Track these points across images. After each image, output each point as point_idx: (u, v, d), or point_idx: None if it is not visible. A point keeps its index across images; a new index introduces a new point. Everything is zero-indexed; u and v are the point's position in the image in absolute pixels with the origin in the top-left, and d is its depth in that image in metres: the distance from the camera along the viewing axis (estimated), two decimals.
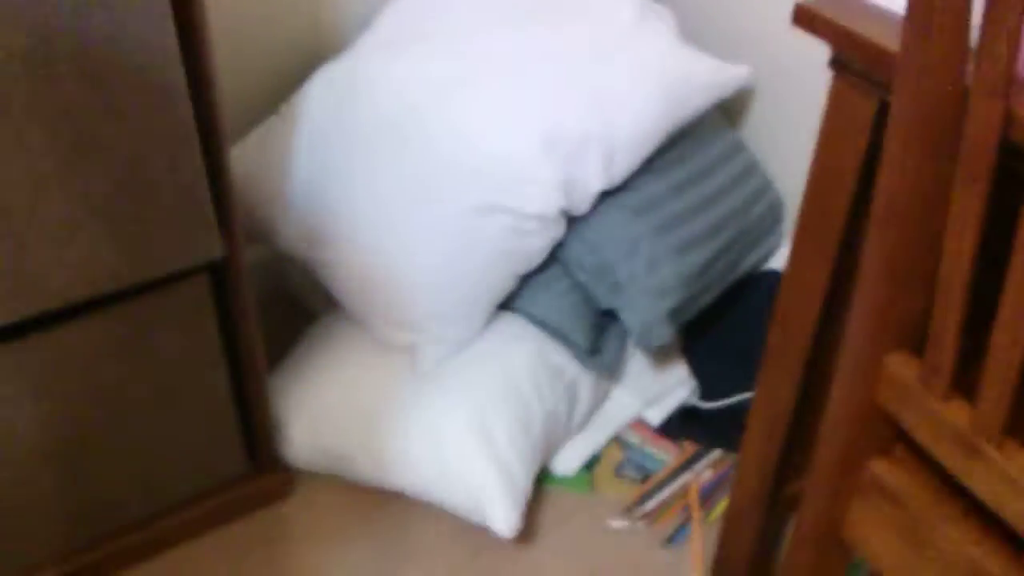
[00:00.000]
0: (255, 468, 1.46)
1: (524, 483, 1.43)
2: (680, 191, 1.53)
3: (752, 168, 1.65)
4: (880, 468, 0.99)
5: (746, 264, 1.63)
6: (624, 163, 1.47)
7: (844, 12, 0.91)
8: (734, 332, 1.65)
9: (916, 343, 0.93)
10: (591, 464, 1.58)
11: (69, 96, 1.03)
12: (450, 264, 1.41)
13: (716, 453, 1.61)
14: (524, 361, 1.49)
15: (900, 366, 0.92)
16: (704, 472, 1.58)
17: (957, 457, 0.87)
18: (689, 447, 1.62)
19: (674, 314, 1.49)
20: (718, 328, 1.66)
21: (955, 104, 0.78)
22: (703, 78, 1.52)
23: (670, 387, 1.66)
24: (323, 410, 1.46)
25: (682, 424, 1.64)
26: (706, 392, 1.64)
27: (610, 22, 1.53)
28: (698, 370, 1.66)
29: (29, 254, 1.08)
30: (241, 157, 1.51)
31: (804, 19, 0.92)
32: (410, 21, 1.54)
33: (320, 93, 1.49)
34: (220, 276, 1.28)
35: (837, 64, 0.95)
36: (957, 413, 0.88)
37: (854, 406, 0.97)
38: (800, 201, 1.06)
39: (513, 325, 1.53)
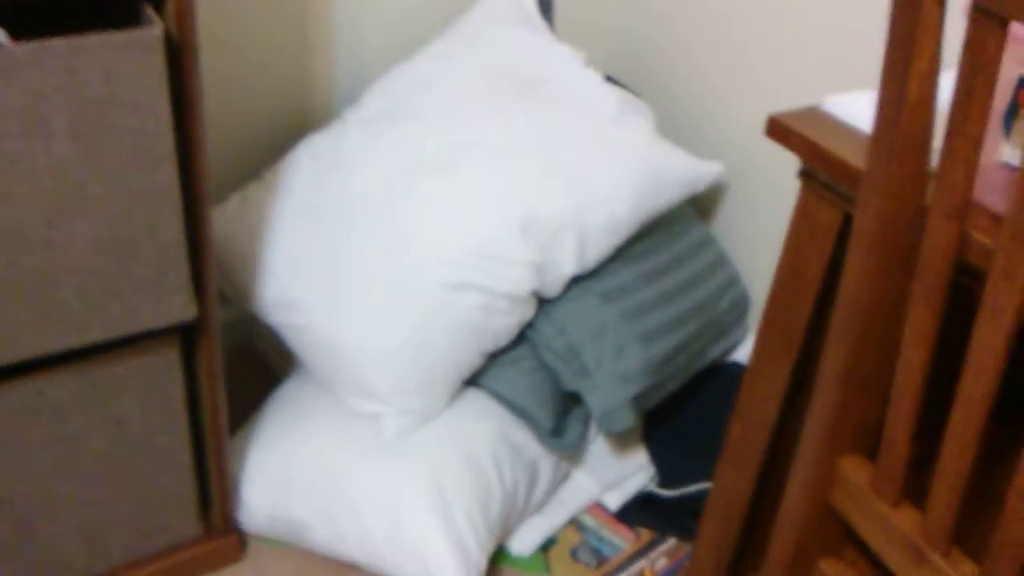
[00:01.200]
0: (207, 530, 1.45)
1: (480, 561, 1.42)
2: (649, 280, 1.57)
3: (720, 262, 1.69)
4: (831, 568, 1.01)
5: (710, 355, 1.66)
6: (597, 250, 1.50)
7: (814, 127, 0.96)
8: (695, 422, 1.67)
9: (870, 447, 0.96)
10: (547, 545, 1.58)
11: (60, 154, 1.05)
12: (419, 338, 1.43)
13: (672, 542, 1.62)
14: (486, 438, 1.50)
15: (853, 470, 0.94)
16: (659, 560, 1.59)
17: (905, 562, 0.90)
18: (645, 534, 1.63)
19: (638, 400, 1.51)
20: (679, 417, 1.68)
21: (914, 223, 0.82)
22: (677, 173, 1.57)
23: (629, 473, 1.67)
24: (281, 476, 1.46)
25: (639, 510, 1.65)
26: (665, 479, 1.66)
27: (592, 113, 1.58)
28: (658, 457, 1.67)
29: (2, 305, 1.09)
30: (221, 218, 1.53)
31: (776, 131, 0.96)
32: (396, 99, 1.59)
33: (304, 163, 1.52)
34: (191, 337, 1.29)
35: (806, 175, 0.99)
36: (906, 519, 0.90)
37: (807, 506, 0.99)
38: (766, 297, 1.10)
39: (477, 401, 1.55)
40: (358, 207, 1.45)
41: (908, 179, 0.79)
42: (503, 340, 1.50)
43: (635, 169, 1.51)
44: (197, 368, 1.31)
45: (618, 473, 1.66)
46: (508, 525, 1.53)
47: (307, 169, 1.50)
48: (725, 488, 1.26)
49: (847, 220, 0.98)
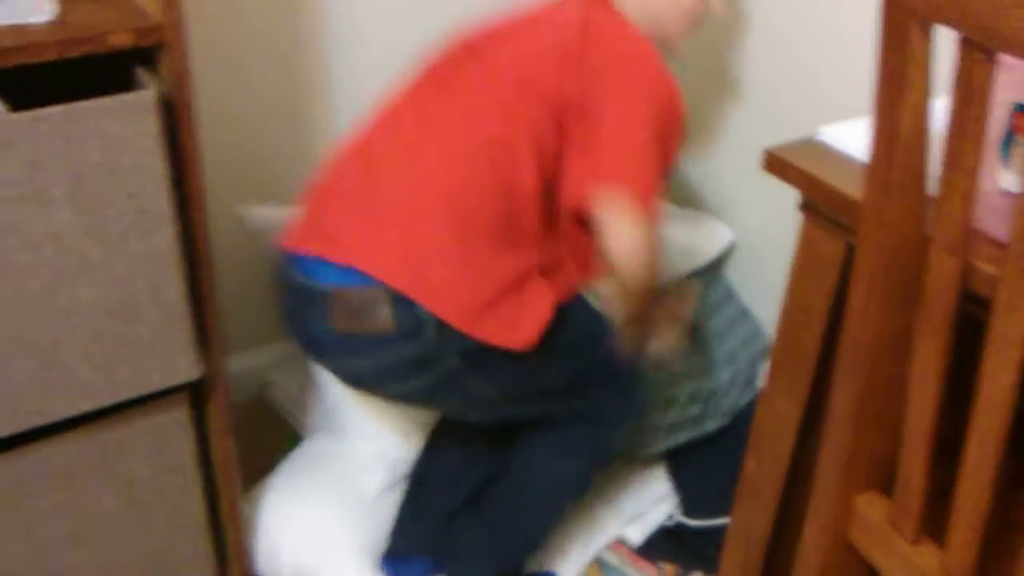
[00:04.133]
0: None
1: None
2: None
3: (743, 314, 1.69)
4: None
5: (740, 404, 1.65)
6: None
7: (811, 159, 0.95)
8: (722, 453, 1.65)
9: (887, 482, 0.94)
10: None
11: (59, 220, 1.05)
12: None
13: (697, 575, 1.60)
14: None
15: (870, 507, 0.92)
16: None
17: None
18: (670, 569, 1.60)
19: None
20: (706, 447, 1.66)
21: (916, 256, 0.80)
22: (683, 240, 1.59)
23: (651, 504, 1.65)
24: (299, 533, 1.45)
25: (663, 544, 1.63)
26: (689, 509, 1.63)
27: None
28: (683, 486, 1.65)
29: (9, 374, 1.09)
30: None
31: (774, 166, 0.95)
32: None
33: None
34: (200, 393, 1.28)
35: (806, 208, 0.98)
36: (927, 556, 0.88)
37: (826, 545, 0.97)
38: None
39: None
40: None
41: (907, 211, 0.78)
42: None
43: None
44: (207, 425, 1.31)
45: (639, 506, 1.64)
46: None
47: None
48: (744, 523, 1.23)
49: (850, 253, 0.96)
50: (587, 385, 1.30)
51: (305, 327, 1.17)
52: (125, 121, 1.05)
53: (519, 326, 1.14)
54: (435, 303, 1.09)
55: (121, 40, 1.03)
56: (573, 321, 1.22)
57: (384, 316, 1.09)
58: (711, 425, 1.61)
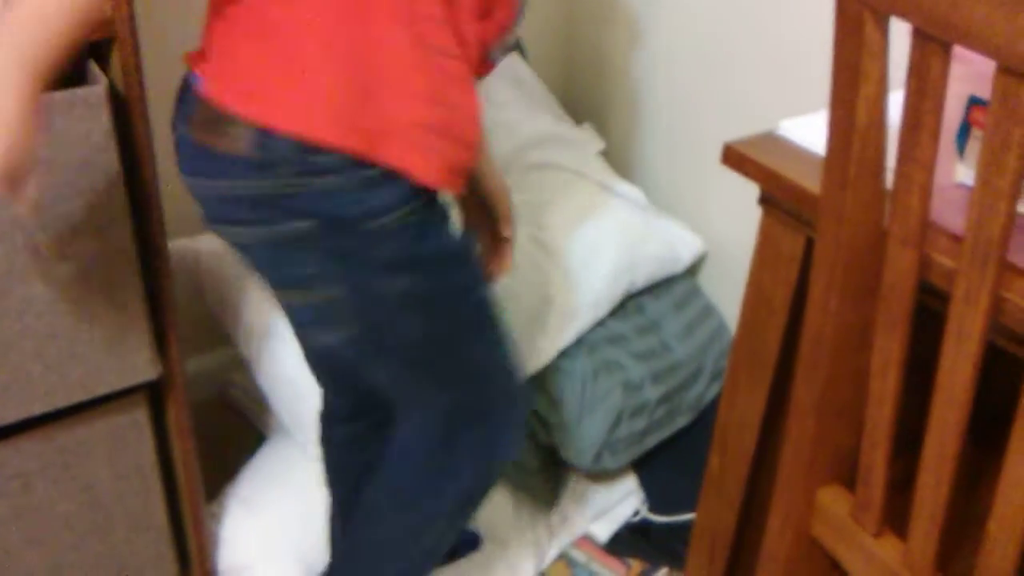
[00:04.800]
0: None
1: None
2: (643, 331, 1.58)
3: (708, 310, 1.69)
4: None
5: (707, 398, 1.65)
6: (581, 324, 1.52)
7: (770, 153, 0.94)
8: (688, 447, 1.65)
9: (850, 476, 0.94)
10: None
11: (10, 218, 1.03)
12: None
13: (664, 571, 1.60)
14: None
15: (833, 500, 0.92)
16: None
17: None
18: (637, 564, 1.60)
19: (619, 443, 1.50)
20: (672, 442, 1.66)
21: (874, 249, 0.80)
22: (659, 250, 1.60)
23: (617, 500, 1.65)
24: (262, 537, 1.43)
25: (630, 541, 1.63)
26: (656, 505, 1.63)
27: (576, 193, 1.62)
28: (649, 482, 1.65)
29: None
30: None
31: (733, 159, 0.95)
32: None
33: None
34: (159, 394, 1.26)
35: (765, 202, 0.98)
36: (888, 549, 0.88)
37: (789, 539, 0.96)
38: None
39: None
40: None
41: (864, 205, 0.78)
42: None
43: (618, 246, 1.55)
44: (167, 426, 1.29)
45: (606, 501, 1.63)
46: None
47: None
48: (709, 519, 1.23)
49: (811, 245, 0.96)
50: (453, 342, 1.07)
51: (175, 131, 1.02)
52: (76, 116, 1.03)
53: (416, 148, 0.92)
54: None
55: None
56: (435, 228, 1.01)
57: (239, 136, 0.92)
58: (681, 421, 1.61)
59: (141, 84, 1.07)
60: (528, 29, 1.82)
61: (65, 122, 1.02)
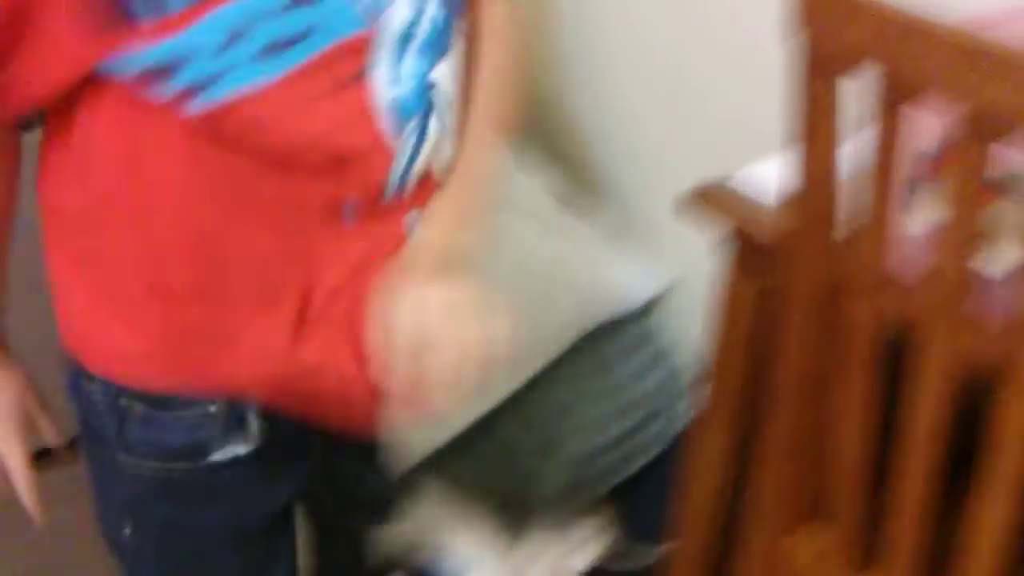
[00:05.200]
0: None
1: None
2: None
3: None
4: None
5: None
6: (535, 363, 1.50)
7: (726, 202, 0.95)
8: (656, 483, 1.64)
9: (827, 514, 0.94)
10: None
11: None
12: None
13: None
14: None
15: (806, 540, 0.93)
16: None
17: None
18: None
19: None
20: (654, 474, 1.65)
21: (831, 299, 0.81)
22: (620, 285, 1.58)
23: (575, 546, 1.64)
24: None
25: None
26: (624, 545, 1.62)
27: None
28: (631, 511, 1.64)
29: None
30: None
31: (690, 207, 0.96)
32: None
33: None
34: None
35: (724, 248, 0.99)
36: None
37: None
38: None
39: None
40: None
41: (819, 255, 0.79)
42: None
43: (576, 282, 1.52)
44: None
45: (564, 546, 1.62)
46: None
47: None
48: (685, 559, 1.23)
49: (768, 292, 0.97)
50: None
51: None
52: None
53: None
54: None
55: None
56: None
57: None
58: (642, 460, 1.60)
59: None
60: None
61: None
